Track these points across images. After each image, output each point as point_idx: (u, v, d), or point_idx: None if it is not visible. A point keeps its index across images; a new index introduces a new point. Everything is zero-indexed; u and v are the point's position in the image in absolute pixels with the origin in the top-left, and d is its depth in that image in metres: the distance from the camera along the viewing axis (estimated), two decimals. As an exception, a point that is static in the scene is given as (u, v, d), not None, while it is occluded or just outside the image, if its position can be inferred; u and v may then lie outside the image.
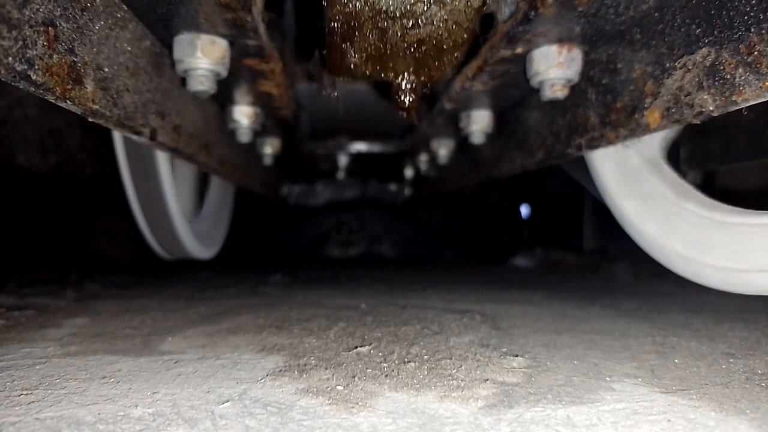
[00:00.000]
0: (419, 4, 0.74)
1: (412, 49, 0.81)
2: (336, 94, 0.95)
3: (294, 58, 1.38)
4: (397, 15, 0.75)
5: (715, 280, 0.91)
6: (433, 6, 0.74)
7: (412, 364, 0.70)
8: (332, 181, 3.25)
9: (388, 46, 0.81)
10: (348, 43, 0.81)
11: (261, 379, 0.63)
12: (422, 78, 0.87)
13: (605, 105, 0.90)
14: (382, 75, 0.86)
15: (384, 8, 0.74)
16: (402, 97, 0.88)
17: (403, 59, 0.83)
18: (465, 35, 0.79)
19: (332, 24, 0.78)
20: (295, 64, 1.38)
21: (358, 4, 0.74)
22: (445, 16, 0.76)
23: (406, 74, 0.86)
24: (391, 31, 0.78)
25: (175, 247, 1.65)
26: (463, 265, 2.43)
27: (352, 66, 0.84)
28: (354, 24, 0.77)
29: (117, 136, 1.42)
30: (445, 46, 0.80)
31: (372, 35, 0.79)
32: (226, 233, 2.12)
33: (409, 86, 0.87)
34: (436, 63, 0.84)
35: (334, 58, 0.84)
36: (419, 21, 0.77)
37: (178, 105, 1.00)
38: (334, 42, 0.81)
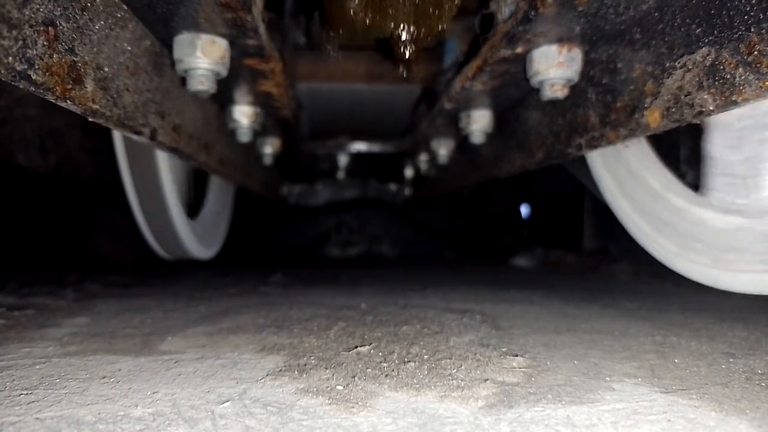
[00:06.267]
0: None
1: None
2: (336, 53, 0.95)
3: (292, 23, 1.36)
4: None
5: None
6: None
7: (412, 363, 0.70)
8: (332, 181, 3.25)
9: None
10: None
11: (261, 379, 0.63)
12: (422, 29, 0.87)
13: (605, 105, 0.90)
14: (382, 25, 0.87)
15: None
16: (402, 49, 0.88)
17: (403, 6, 0.84)
18: None
19: None
20: (294, 29, 1.37)
21: None
22: None
23: (405, 24, 0.86)
24: None
25: (175, 247, 1.65)
26: (463, 265, 2.43)
27: (351, 13, 0.85)
28: None
29: (117, 136, 1.42)
30: None
31: None
32: (226, 233, 2.12)
33: (408, 37, 0.87)
34: (436, 11, 0.84)
35: (334, 7, 0.85)
36: None
37: (178, 105, 1.00)
38: None
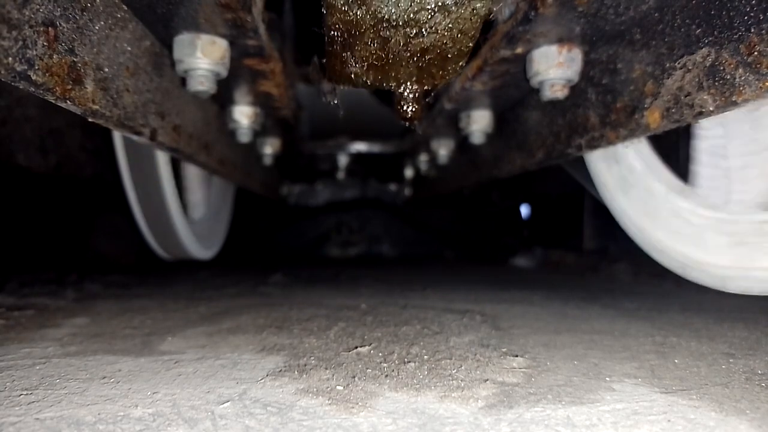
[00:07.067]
0: (423, 12, 0.72)
1: (415, 58, 0.79)
2: (335, 102, 0.93)
3: (293, 60, 1.37)
4: (400, 24, 0.73)
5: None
6: (437, 14, 0.72)
7: (412, 364, 0.70)
8: (332, 181, 3.25)
9: (390, 55, 0.79)
10: (348, 52, 0.78)
11: (261, 379, 0.64)
12: (425, 87, 0.84)
13: (605, 105, 0.90)
14: (384, 84, 0.84)
15: (386, 17, 0.72)
16: (404, 107, 0.85)
17: (406, 68, 0.81)
18: (470, 43, 0.77)
19: (332, 32, 0.76)
20: (294, 67, 1.38)
21: (359, 12, 0.71)
22: (450, 25, 0.74)
23: (408, 83, 0.83)
24: (393, 40, 0.76)
25: (175, 248, 1.65)
26: (463, 265, 2.43)
27: (352, 75, 0.82)
28: (355, 32, 0.75)
29: (117, 136, 1.42)
30: (449, 55, 0.78)
31: (373, 44, 0.77)
32: (226, 233, 2.12)
33: (411, 96, 0.84)
34: (440, 72, 0.81)
35: (334, 66, 0.82)
36: (423, 30, 0.74)
37: (178, 105, 1.00)
38: (334, 50, 0.79)
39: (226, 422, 0.51)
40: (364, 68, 0.80)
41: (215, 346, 0.79)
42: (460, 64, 0.81)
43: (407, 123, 0.88)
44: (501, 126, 1.37)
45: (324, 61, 0.85)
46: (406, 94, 0.84)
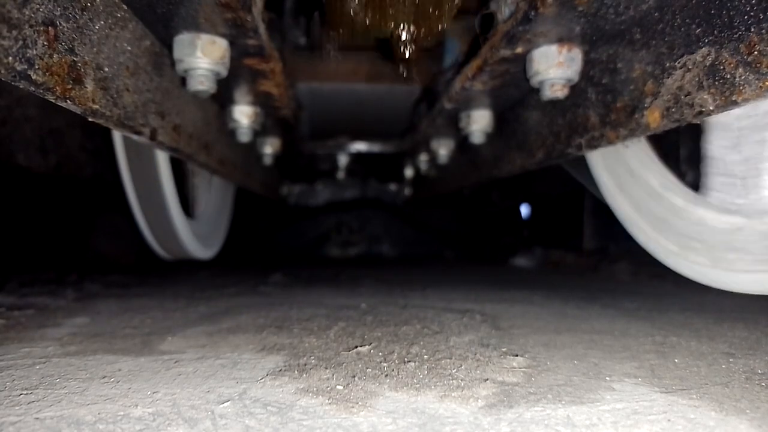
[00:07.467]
0: None
1: None
2: (335, 52, 0.96)
3: (292, 22, 1.37)
4: None
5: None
6: None
7: (412, 363, 0.70)
8: (332, 180, 3.25)
9: None
10: None
11: (261, 379, 0.63)
12: (422, 29, 0.87)
13: (605, 105, 0.90)
14: (382, 25, 0.87)
15: None
16: (402, 48, 0.89)
17: (403, 6, 0.84)
18: None
19: None
20: (294, 28, 1.37)
21: None
22: None
23: (405, 24, 0.87)
24: None
25: (175, 247, 1.65)
26: (463, 265, 2.43)
27: (351, 13, 0.85)
28: None
29: (117, 136, 1.42)
30: None
31: None
32: (226, 233, 2.12)
33: (409, 36, 0.87)
34: (436, 12, 0.84)
35: (334, 6, 0.84)
36: None
37: (178, 105, 1.00)
38: None
39: (226, 422, 0.51)
40: (363, 4, 0.83)
41: (215, 346, 0.79)
42: (455, 2, 0.83)
43: (406, 67, 0.91)
44: (501, 126, 1.37)
45: (324, 2, 0.87)
46: (404, 35, 0.87)
